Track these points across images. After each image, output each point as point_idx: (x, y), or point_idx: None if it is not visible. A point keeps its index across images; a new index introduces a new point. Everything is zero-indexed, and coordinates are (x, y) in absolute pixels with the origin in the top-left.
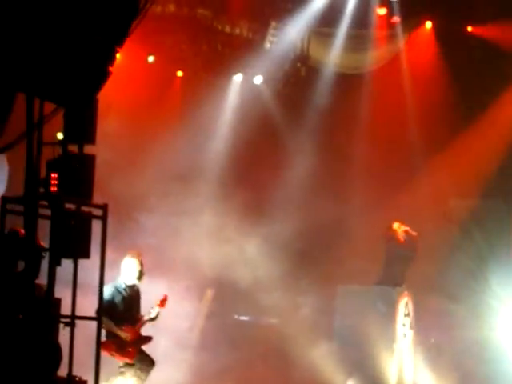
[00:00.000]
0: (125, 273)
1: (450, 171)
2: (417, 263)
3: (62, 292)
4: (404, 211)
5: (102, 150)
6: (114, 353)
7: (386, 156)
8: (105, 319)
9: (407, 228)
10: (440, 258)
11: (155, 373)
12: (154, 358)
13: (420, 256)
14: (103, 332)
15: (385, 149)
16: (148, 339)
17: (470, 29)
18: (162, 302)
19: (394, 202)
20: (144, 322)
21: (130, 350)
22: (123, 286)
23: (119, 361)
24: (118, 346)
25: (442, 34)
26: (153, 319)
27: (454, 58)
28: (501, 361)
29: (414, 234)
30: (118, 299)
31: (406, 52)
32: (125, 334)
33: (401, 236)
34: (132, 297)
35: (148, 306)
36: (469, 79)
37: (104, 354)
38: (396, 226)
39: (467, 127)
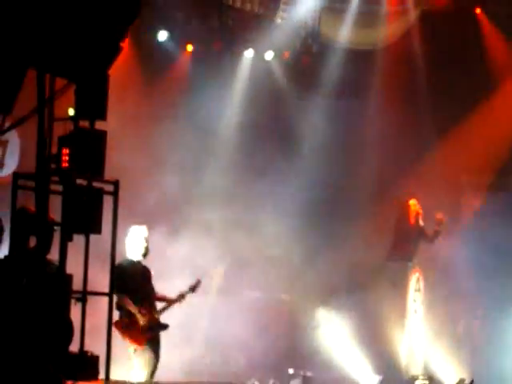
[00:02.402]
0: (130, 248)
1: (462, 148)
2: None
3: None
4: (416, 186)
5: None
6: (127, 336)
7: (398, 133)
8: (122, 296)
9: (420, 212)
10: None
11: (165, 348)
12: (165, 336)
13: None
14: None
15: (397, 125)
16: (164, 327)
17: (478, 11)
18: (194, 288)
19: (407, 177)
20: (166, 308)
21: (142, 335)
22: (134, 262)
23: (130, 344)
24: (131, 327)
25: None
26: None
27: (465, 35)
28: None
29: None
30: (134, 276)
31: (419, 27)
32: (142, 318)
33: (412, 216)
34: (144, 274)
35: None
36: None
37: (116, 333)
38: (412, 202)
39: (480, 104)
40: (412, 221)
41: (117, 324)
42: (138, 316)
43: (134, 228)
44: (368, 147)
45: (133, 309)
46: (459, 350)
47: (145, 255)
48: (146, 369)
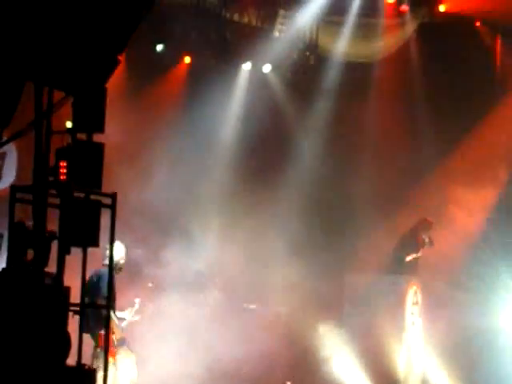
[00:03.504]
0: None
1: (462, 160)
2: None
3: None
4: (415, 202)
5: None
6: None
7: (395, 146)
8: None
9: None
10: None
11: (164, 362)
12: (163, 348)
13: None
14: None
15: (394, 138)
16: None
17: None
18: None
19: (405, 194)
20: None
21: (113, 348)
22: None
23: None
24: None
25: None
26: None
27: (464, 46)
28: (509, 349)
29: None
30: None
31: (415, 40)
32: (119, 332)
33: (422, 235)
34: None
35: None
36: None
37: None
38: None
39: (480, 118)
40: (421, 240)
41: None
42: (117, 331)
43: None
44: (366, 159)
45: (115, 323)
46: (458, 363)
47: (120, 269)
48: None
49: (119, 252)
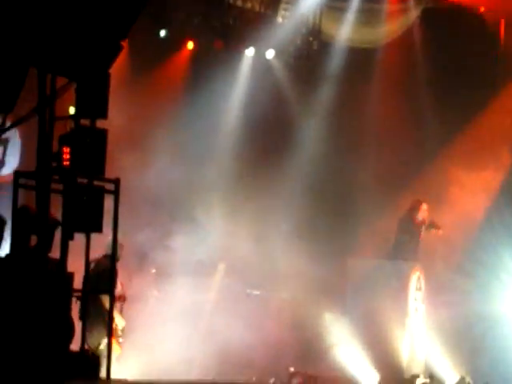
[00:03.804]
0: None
1: (465, 144)
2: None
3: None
4: (418, 187)
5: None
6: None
7: (398, 130)
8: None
9: (430, 218)
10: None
11: (167, 346)
12: (166, 334)
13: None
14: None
15: (397, 123)
16: None
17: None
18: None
19: (407, 178)
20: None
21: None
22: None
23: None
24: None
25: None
26: None
27: (467, 32)
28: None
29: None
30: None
31: (419, 26)
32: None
33: (419, 218)
34: None
35: None
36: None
37: None
38: (424, 207)
39: (483, 103)
40: (417, 222)
41: None
42: (118, 318)
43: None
44: (369, 145)
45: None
46: (460, 349)
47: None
48: None
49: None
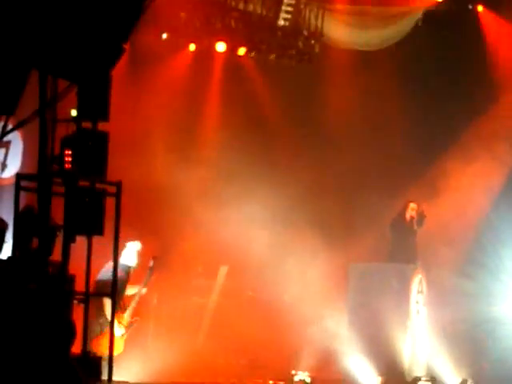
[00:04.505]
0: (129, 253)
1: (465, 145)
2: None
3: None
4: (419, 191)
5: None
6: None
7: (399, 136)
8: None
9: (415, 215)
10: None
11: (166, 349)
12: (167, 335)
13: (433, 234)
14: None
15: (401, 127)
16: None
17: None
18: (152, 268)
19: (410, 184)
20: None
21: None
22: (127, 268)
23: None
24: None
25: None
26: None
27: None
28: None
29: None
30: (123, 282)
31: (421, 28)
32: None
33: (407, 217)
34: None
35: None
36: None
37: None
38: (412, 206)
39: (488, 105)
40: (407, 221)
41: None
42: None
43: (129, 244)
44: (370, 146)
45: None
46: (462, 351)
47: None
48: None
49: (132, 259)
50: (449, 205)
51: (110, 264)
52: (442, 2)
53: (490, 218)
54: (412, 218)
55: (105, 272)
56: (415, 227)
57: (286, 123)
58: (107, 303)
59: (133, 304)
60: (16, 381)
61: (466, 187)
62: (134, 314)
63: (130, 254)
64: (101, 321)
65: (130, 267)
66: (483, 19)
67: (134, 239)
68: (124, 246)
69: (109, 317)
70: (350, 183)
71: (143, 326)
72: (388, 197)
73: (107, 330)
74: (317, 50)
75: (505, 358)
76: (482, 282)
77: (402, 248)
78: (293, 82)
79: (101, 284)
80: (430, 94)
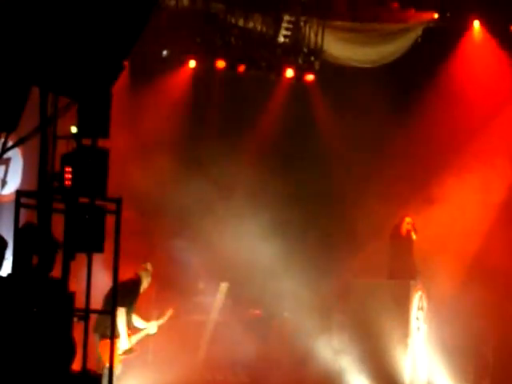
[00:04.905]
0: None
1: (468, 159)
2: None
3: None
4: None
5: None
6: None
7: (400, 147)
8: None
9: (413, 229)
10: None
11: (166, 366)
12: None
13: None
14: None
15: (398, 140)
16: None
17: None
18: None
19: (407, 197)
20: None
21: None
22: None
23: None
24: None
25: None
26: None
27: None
28: None
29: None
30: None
31: (420, 44)
32: (128, 343)
33: (403, 231)
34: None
35: None
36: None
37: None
38: (407, 220)
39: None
40: (403, 236)
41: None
42: (125, 339)
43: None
44: (368, 161)
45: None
46: (463, 368)
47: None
48: None
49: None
50: (447, 218)
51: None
52: (439, 18)
53: (490, 234)
54: (409, 231)
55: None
56: (412, 241)
57: (285, 136)
58: (120, 313)
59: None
60: None
61: (464, 200)
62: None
63: (144, 274)
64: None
65: (139, 282)
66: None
67: (132, 255)
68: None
69: (119, 327)
70: (352, 194)
71: (143, 343)
72: (388, 208)
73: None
74: (317, 66)
75: (505, 375)
76: (482, 296)
77: (402, 263)
78: (292, 97)
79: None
80: (430, 109)
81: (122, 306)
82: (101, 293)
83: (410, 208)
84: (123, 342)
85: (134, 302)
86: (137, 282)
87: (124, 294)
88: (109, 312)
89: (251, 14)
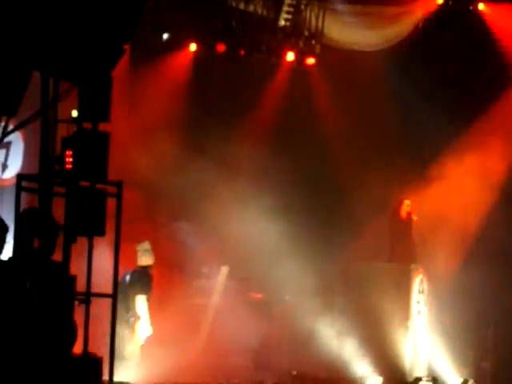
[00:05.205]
0: (143, 255)
1: (472, 139)
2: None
3: None
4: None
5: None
6: None
7: (396, 134)
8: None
9: (411, 211)
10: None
11: (168, 350)
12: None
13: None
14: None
15: (403, 126)
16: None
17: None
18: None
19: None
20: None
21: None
22: (148, 269)
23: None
24: None
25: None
26: None
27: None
28: None
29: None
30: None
31: (421, 28)
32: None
33: (402, 213)
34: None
35: None
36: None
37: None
38: (406, 202)
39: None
40: (403, 219)
41: None
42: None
43: (140, 246)
44: (369, 143)
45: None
46: (463, 351)
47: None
48: None
49: (148, 258)
50: (449, 205)
51: (129, 270)
52: (442, 4)
53: (491, 216)
54: (408, 214)
55: (130, 274)
56: (412, 223)
57: (287, 119)
58: (138, 301)
59: None
60: (17, 380)
61: (464, 183)
62: None
63: (145, 254)
64: (129, 316)
65: (149, 267)
66: (487, 16)
67: (135, 239)
68: (136, 249)
69: (139, 313)
70: (350, 180)
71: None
72: (387, 192)
73: (133, 323)
74: (317, 50)
75: (506, 358)
76: (484, 281)
77: (402, 246)
78: (293, 80)
79: (130, 285)
80: (430, 93)
81: (143, 293)
82: (103, 277)
83: (410, 189)
84: (145, 328)
85: (151, 289)
86: (150, 268)
87: (145, 282)
88: (110, 295)
89: None
